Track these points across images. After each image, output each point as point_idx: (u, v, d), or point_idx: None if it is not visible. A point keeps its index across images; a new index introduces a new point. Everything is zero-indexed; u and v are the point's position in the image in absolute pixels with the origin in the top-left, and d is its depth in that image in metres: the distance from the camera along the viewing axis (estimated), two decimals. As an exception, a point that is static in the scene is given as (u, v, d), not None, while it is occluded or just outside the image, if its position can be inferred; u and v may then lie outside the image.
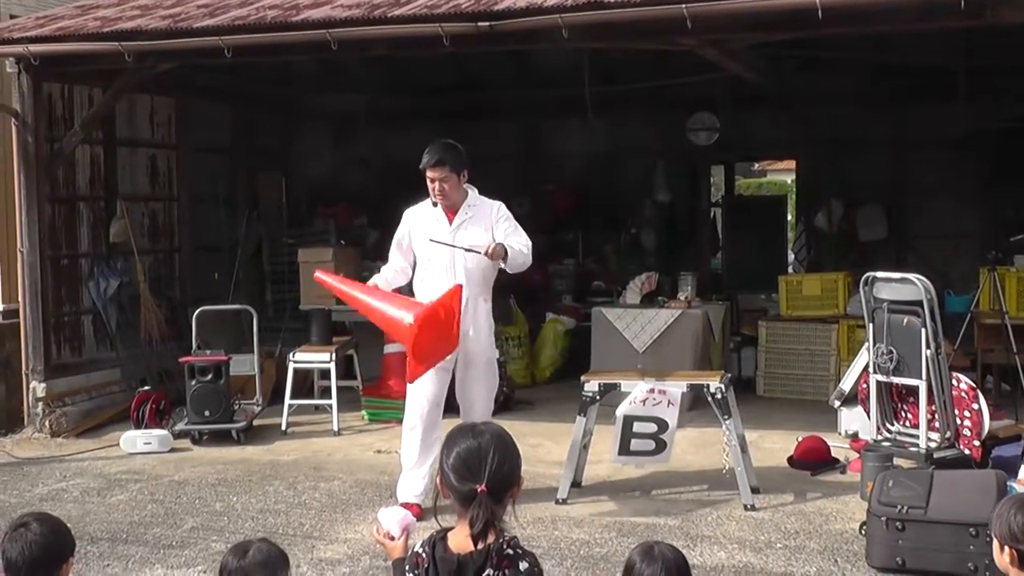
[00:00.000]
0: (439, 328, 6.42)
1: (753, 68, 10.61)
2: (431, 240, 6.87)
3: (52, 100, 10.25)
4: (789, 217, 16.12)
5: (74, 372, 10.25)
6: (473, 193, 7.03)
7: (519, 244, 6.89)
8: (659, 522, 6.81)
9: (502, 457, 3.05)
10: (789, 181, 24.40)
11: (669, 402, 6.98)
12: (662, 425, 7.02)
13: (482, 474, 3.01)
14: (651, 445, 7.07)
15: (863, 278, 7.49)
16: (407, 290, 7.20)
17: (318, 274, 7.19)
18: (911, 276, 7.23)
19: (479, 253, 6.77)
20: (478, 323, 6.99)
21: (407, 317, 6.35)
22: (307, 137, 14.22)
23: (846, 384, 8.11)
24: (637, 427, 7.02)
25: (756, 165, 27.13)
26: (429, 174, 6.86)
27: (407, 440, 7.03)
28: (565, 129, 14.22)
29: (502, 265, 6.88)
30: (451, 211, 6.96)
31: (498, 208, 7.03)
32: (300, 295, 11.28)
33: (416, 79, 13.67)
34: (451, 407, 7.23)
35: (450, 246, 6.83)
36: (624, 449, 7.09)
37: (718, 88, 12.30)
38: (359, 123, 14.21)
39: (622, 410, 7.02)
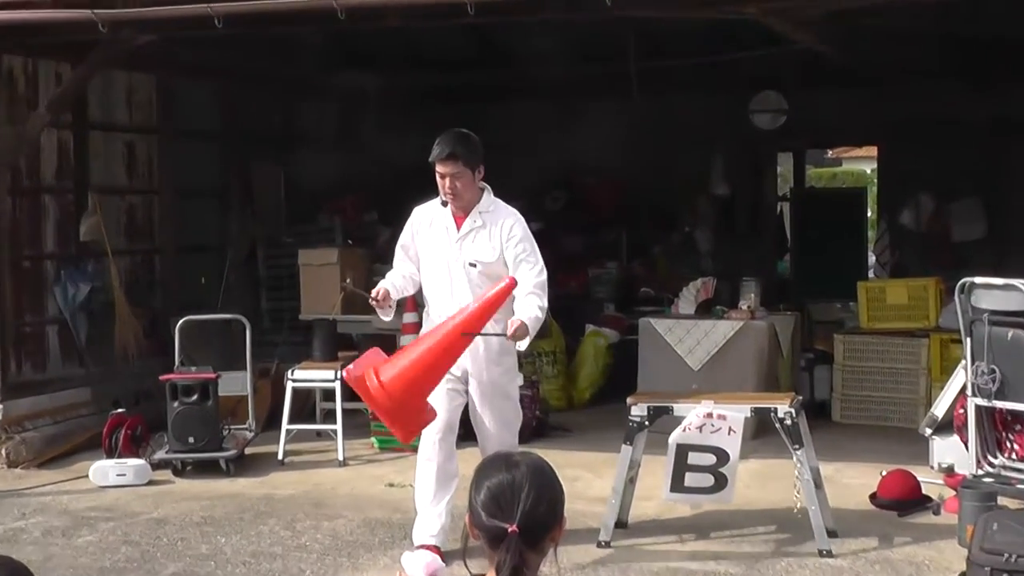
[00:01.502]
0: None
1: (828, 39, 10.52)
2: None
3: (13, 76, 10.25)
4: (869, 213, 16.03)
5: (37, 392, 10.25)
6: (487, 195, 6.97)
7: (536, 300, 6.69)
8: (718, 569, 6.75)
9: (539, 493, 2.99)
10: (869, 171, 24.30)
11: (730, 429, 6.93)
12: (722, 456, 6.97)
13: (514, 512, 2.96)
14: (709, 480, 7.02)
15: (959, 284, 7.43)
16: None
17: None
18: (1016, 282, 7.15)
19: (503, 336, 6.70)
20: (488, 346, 6.87)
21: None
22: (310, 121, 14.23)
23: (939, 409, 8.03)
24: (693, 458, 6.98)
25: (830, 152, 27.06)
26: (439, 169, 6.81)
27: (422, 472, 7.01)
28: (606, 112, 14.17)
29: (522, 345, 6.80)
30: (462, 214, 6.91)
31: (512, 224, 6.91)
32: (300, 303, 11.25)
33: (434, 54, 13.64)
34: (475, 435, 7.20)
35: (479, 334, 6.60)
36: (678, 485, 7.04)
37: (785, 64, 12.23)
38: (369, 105, 14.20)
39: (675, 438, 6.98)
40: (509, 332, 6.61)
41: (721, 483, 7.05)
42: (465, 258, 6.87)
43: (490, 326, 6.58)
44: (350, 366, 6.57)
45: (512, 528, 2.95)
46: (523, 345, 6.83)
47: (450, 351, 6.37)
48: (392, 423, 6.45)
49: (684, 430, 6.97)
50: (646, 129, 13.86)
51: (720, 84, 13.44)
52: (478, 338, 6.71)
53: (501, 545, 2.95)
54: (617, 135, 14.29)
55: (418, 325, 9.40)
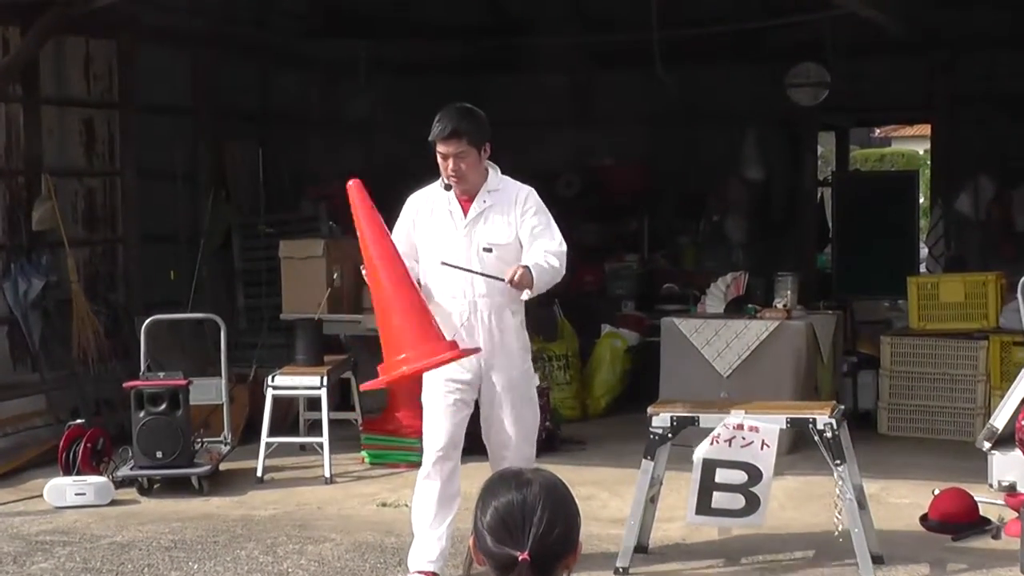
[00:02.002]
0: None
1: (876, 3, 10.55)
2: (443, 263, 6.80)
3: (-43, 45, 10.33)
4: (922, 200, 16.03)
5: (-15, 400, 10.27)
6: (494, 174, 6.98)
7: (547, 255, 6.76)
8: (751, 601, 6.77)
9: (553, 516, 2.99)
10: (921, 152, 24.29)
11: (763, 443, 6.93)
12: (754, 474, 6.97)
13: (525, 538, 2.96)
14: (739, 501, 7.02)
15: (1022, 280, 7.41)
16: None
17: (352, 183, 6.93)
18: (1086, 277, 7.16)
19: (501, 281, 6.72)
20: (506, 344, 6.92)
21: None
22: (291, 94, 14.25)
23: (999, 420, 8.04)
24: (721, 476, 6.97)
25: (878, 131, 27.06)
26: (441, 148, 6.81)
27: (421, 493, 7.00)
28: (627, 85, 14.22)
29: (525, 295, 6.82)
30: (467, 197, 6.91)
31: (526, 195, 6.96)
32: (282, 300, 11.28)
33: (433, 18, 13.68)
34: (479, 448, 7.22)
35: (465, 270, 6.76)
36: (704, 506, 7.04)
37: (828, 31, 12.25)
38: (359, 76, 14.24)
39: (701, 453, 6.98)
40: (508, 276, 6.62)
41: (752, 504, 7.05)
42: (478, 243, 6.84)
43: (503, 305, 6.77)
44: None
45: (523, 556, 2.94)
46: (526, 295, 6.79)
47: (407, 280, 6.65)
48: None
49: (711, 443, 6.96)
50: (671, 105, 13.88)
51: (753, 55, 13.47)
52: (493, 338, 6.76)
53: (509, 575, 2.97)
54: (638, 112, 14.33)
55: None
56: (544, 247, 6.79)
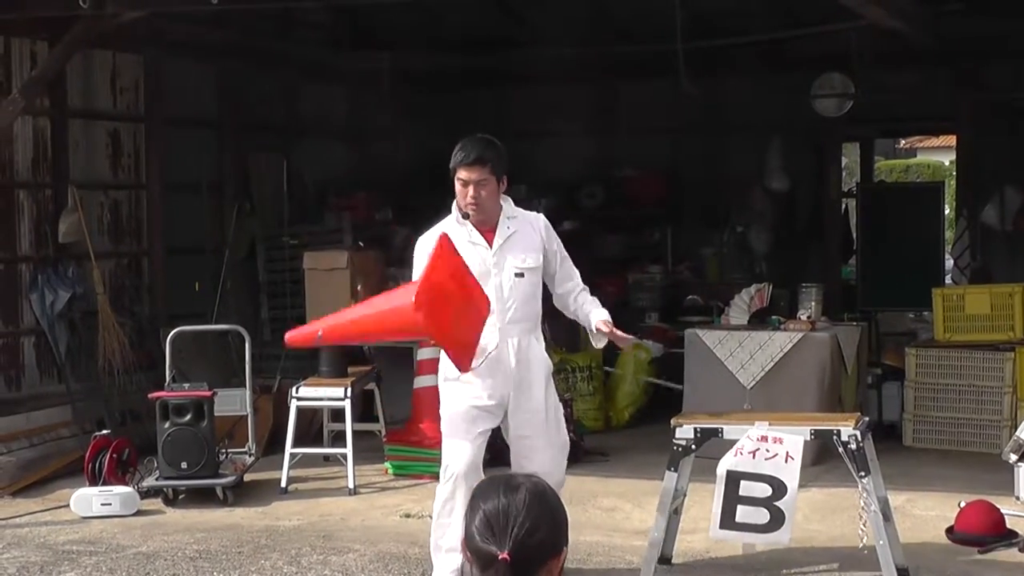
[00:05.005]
0: (453, 293, 6.50)
1: (901, 13, 10.53)
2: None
3: (-15, 57, 10.39)
4: (947, 211, 15.98)
5: (11, 411, 10.34)
6: (508, 204, 7.01)
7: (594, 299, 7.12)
8: (775, 613, 6.76)
9: (535, 520, 3.05)
10: (947, 163, 24.23)
11: (787, 455, 6.90)
12: (778, 488, 6.93)
13: (506, 539, 3.02)
14: (763, 516, 6.98)
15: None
16: None
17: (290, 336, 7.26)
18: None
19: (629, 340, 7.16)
20: (532, 372, 6.93)
21: (406, 300, 6.42)
22: (315, 107, 14.28)
23: (1025, 432, 8.00)
24: (745, 488, 6.94)
25: (903, 142, 27.00)
26: (462, 175, 6.80)
27: (442, 514, 6.94)
28: (650, 96, 14.20)
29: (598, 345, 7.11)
30: (486, 228, 6.91)
31: (543, 223, 7.07)
32: (306, 311, 11.31)
33: (454, 31, 13.70)
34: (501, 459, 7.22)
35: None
36: (728, 520, 7.00)
37: (853, 41, 12.23)
38: (382, 88, 14.27)
39: (725, 465, 6.95)
40: (601, 325, 6.91)
41: (777, 520, 6.98)
42: (509, 270, 6.86)
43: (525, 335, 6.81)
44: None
45: (503, 555, 3.00)
46: (601, 342, 7.06)
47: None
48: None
49: (735, 455, 6.93)
50: (694, 116, 13.87)
51: (778, 65, 13.45)
52: (522, 359, 6.82)
53: (489, 572, 3.02)
54: (662, 123, 14.32)
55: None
56: (586, 292, 7.12)
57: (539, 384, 6.96)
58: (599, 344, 7.09)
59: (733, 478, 6.94)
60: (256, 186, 13.46)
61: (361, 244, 12.37)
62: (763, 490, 6.94)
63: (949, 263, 14.72)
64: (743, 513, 6.99)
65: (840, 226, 14.96)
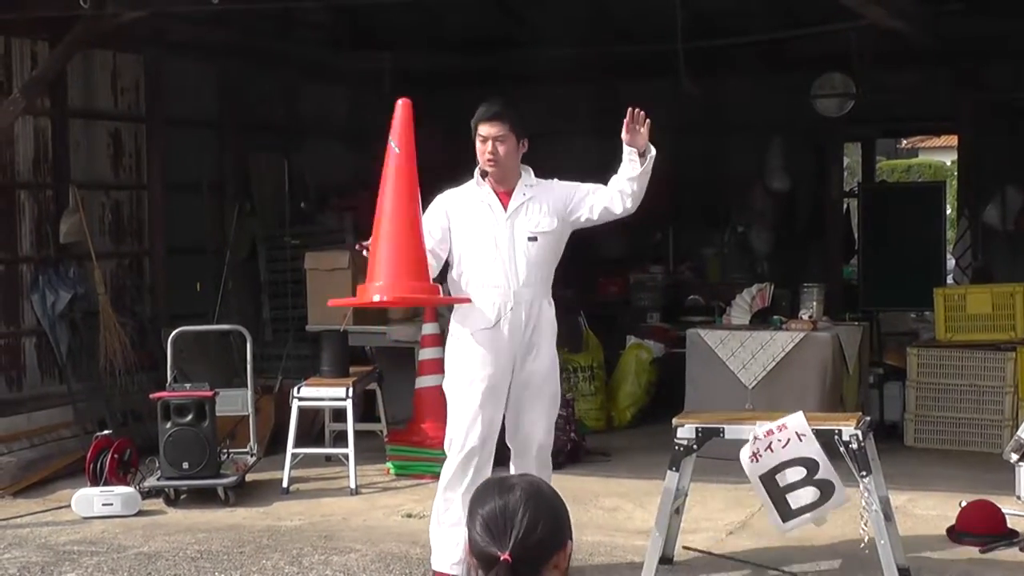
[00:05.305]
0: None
1: (901, 13, 10.53)
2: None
3: (-15, 57, 10.39)
4: (948, 210, 15.98)
5: (12, 411, 10.34)
6: (528, 173, 7.04)
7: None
8: (776, 612, 6.76)
9: (534, 517, 3.06)
10: (948, 163, 24.24)
11: (798, 435, 6.87)
12: (810, 465, 6.88)
13: (507, 540, 3.03)
14: (813, 493, 6.92)
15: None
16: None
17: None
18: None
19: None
20: (541, 335, 6.95)
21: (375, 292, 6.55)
22: (316, 107, 14.28)
23: (1026, 432, 8.00)
24: (783, 479, 6.88)
25: (904, 142, 27.01)
26: (482, 130, 6.86)
27: (449, 487, 6.94)
28: (650, 96, 14.15)
29: (638, 168, 7.45)
30: (503, 191, 6.94)
31: (561, 183, 7.14)
32: (307, 312, 11.31)
33: (454, 31, 13.70)
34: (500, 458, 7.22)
35: None
36: (786, 511, 6.93)
37: (853, 41, 12.24)
38: (383, 88, 14.26)
39: (752, 471, 6.89)
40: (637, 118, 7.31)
41: (827, 490, 6.90)
42: (523, 233, 6.88)
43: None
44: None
45: (504, 556, 3.02)
46: (641, 165, 7.50)
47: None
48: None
49: (754, 457, 6.88)
50: (695, 116, 13.86)
51: (778, 65, 13.44)
52: (529, 328, 6.82)
53: (492, 574, 3.03)
54: (662, 123, 14.26)
55: (438, 337, 9.47)
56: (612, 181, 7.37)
57: (547, 345, 7.01)
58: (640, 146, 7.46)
59: (768, 476, 6.90)
60: (257, 186, 13.47)
61: (366, 252, 12.30)
62: (798, 472, 6.87)
63: (950, 263, 14.72)
64: (795, 499, 6.93)
65: (841, 226, 14.97)
